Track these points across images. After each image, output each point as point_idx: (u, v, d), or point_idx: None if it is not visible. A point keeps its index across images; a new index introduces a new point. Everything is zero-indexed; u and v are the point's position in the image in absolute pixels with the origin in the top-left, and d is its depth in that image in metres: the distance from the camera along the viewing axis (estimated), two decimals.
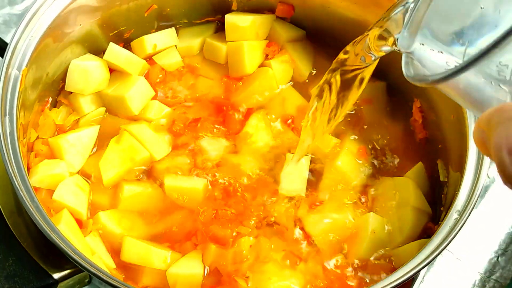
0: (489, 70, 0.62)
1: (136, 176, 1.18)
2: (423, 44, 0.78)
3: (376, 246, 1.12)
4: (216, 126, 1.24)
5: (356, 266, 1.10)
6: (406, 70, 0.76)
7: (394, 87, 1.30)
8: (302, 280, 1.08)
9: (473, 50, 0.70)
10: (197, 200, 1.14)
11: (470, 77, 0.62)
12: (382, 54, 0.91)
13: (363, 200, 1.17)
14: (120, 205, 1.14)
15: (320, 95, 1.05)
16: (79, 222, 1.10)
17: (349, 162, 1.20)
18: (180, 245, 1.11)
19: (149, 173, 1.19)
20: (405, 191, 1.16)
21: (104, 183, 1.15)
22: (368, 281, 1.09)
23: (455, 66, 0.60)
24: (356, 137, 1.24)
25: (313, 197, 1.17)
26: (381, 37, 0.89)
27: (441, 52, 0.74)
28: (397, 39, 0.83)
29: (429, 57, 0.76)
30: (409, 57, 0.78)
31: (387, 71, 1.29)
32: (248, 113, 1.26)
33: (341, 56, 1.00)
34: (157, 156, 1.19)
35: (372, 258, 1.11)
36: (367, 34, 0.93)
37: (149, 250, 1.08)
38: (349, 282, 1.09)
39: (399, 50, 0.83)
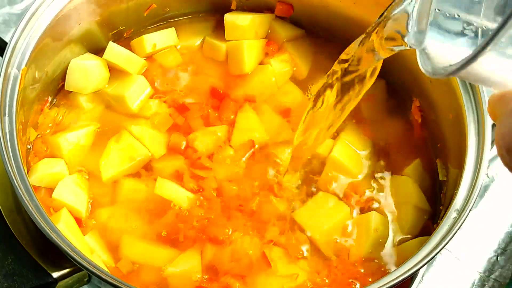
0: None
1: (135, 174, 1.18)
2: (435, 34, 0.75)
3: (378, 244, 1.12)
4: (210, 111, 1.24)
5: (357, 264, 1.10)
6: (423, 66, 0.73)
7: (393, 85, 1.30)
8: (301, 278, 1.08)
9: (491, 25, 0.68)
10: (186, 207, 1.14)
11: (490, 56, 0.60)
12: (390, 54, 0.90)
13: (363, 198, 1.17)
14: (119, 203, 1.15)
15: (315, 102, 1.04)
16: (79, 221, 1.10)
17: (347, 154, 1.20)
18: (179, 242, 1.11)
19: (148, 171, 1.19)
20: (406, 189, 1.17)
21: (104, 181, 1.15)
22: (370, 280, 1.09)
23: (474, 49, 0.58)
24: (354, 132, 1.23)
25: (312, 193, 1.17)
26: (389, 38, 0.86)
27: (456, 40, 0.72)
28: (407, 38, 0.81)
29: (444, 48, 0.74)
30: (423, 52, 0.76)
31: (387, 69, 1.29)
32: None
33: (342, 57, 0.99)
34: (156, 154, 1.19)
35: (372, 256, 1.11)
36: (366, 36, 0.92)
37: (147, 248, 1.09)
38: (349, 280, 1.09)
39: (410, 47, 0.81)
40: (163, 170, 1.18)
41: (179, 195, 1.14)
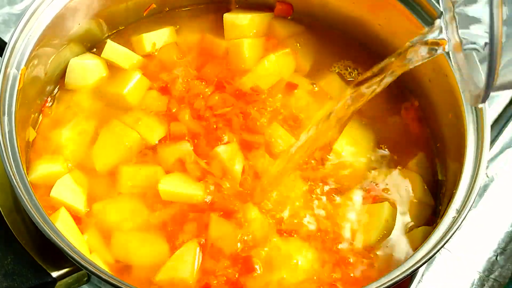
0: None
1: (134, 160, 1.17)
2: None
3: (384, 235, 1.12)
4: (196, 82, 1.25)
5: (362, 254, 1.11)
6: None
7: (393, 83, 1.30)
8: (304, 269, 1.08)
9: None
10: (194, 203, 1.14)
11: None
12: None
13: (366, 191, 1.17)
14: (120, 189, 1.14)
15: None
16: (77, 219, 1.10)
17: (350, 147, 1.20)
18: (176, 237, 1.10)
19: (148, 158, 1.18)
20: (410, 183, 1.17)
21: (98, 171, 1.15)
22: (374, 267, 1.10)
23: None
24: (357, 127, 1.23)
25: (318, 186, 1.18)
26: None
27: None
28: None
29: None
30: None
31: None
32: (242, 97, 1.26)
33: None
34: (151, 139, 1.18)
35: (377, 246, 1.12)
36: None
37: (141, 246, 1.09)
38: (352, 272, 1.09)
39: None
40: (166, 157, 1.17)
41: (190, 195, 1.13)
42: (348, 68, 1.31)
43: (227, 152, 1.17)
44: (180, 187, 1.13)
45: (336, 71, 1.30)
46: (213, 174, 1.15)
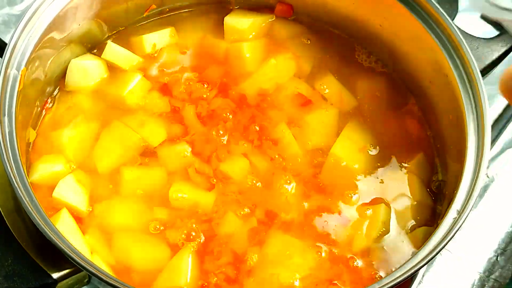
0: None
1: (136, 162, 1.17)
2: None
3: (384, 237, 1.12)
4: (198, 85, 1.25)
5: (360, 255, 1.11)
6: None
7: (394, 83, 1.30)
8: (302, 268, 1.08)
9: None
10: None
11: None
12: None
13: (365, 193, 1.17)
14: (122, 191, 1.14)
15: None
16: (79, 219, 1.10)
17: (349, 150, 1.20)
18: (179, 234, 1.11)
19: (150, 160, 1.18)
20: (411, 185, 1.17)
21: (100, 172, 1.15)
22: (374, 268, 1.10)
23: None
24: (356, 128, 1.24)
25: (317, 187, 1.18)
26: None
27: None
28: None
29: None
30: None
31: (389, 67, 1.30)
32: (243, 100, 1.26)
33: None
34: (152, 141, 1.18)
35: (374, 247, 1.12)
36: None
37: (142, 249, 1.09)
38: (351, 272, 1.10)
39: None
40: (168, 159, 1.17)
41: (201, 200, 1.14)
42: (371, 56, 1.32)
43: (235, 164, 1.18)
44: (189, 194, 1.14)
45: (358, 60, 1.32)
46: (219, 180, 1.16)
